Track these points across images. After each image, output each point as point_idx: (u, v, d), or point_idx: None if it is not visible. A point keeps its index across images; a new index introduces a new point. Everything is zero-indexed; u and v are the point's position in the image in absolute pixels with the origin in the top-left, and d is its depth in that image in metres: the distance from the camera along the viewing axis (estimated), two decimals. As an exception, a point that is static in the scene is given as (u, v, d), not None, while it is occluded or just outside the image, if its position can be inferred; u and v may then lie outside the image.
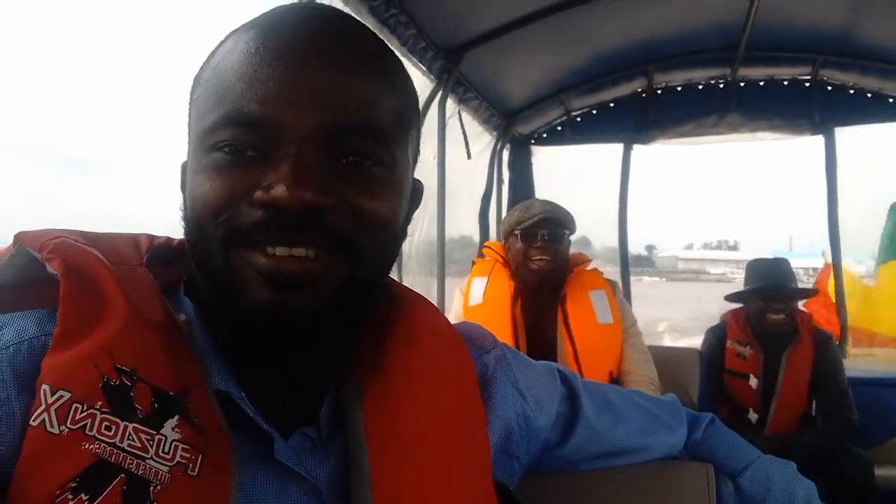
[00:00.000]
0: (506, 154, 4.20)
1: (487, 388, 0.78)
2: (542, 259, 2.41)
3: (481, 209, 3.87)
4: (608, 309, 2.46)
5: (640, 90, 4.18)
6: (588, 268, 2.57)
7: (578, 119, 4.27)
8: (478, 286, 2.58)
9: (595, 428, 0.87)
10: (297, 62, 0.59)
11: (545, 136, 4.35)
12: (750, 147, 4.11)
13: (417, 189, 0.72)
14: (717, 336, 3.14)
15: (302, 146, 0.57)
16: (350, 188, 0.59)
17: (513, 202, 4.04)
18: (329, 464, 0.64)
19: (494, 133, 3.95)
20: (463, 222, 3.74)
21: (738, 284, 3.17)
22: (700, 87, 4.14)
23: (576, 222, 2.53)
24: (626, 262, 4.29)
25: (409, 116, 0.66)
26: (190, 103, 0.65)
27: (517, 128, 4.12)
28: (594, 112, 4.25)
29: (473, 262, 2.76)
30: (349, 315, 0.65)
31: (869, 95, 3.90)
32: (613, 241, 4.27)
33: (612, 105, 4.23)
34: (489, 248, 2.69)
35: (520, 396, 0.81)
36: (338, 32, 0.62)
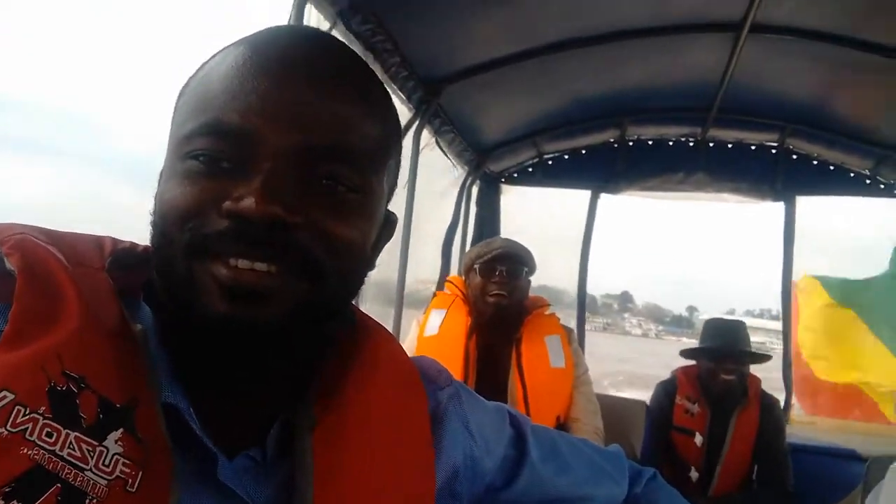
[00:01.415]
0: (475, 190, 4.22)
1: (438, 426, 0.77)
2: (499, 294, 2.42)
3: (445, 242, 3.87)
4: (562, 354, 2.48)
5: (612, 140, 4.24)
6: (546, 312, 2.59)
7: (550, 162, 4.31)
8: (435, 318, 2.58)
9: (540, 474, 0.86)
10: (282, 79, 0.59)
11: (516, 175, 4.38)
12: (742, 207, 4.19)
13: (390, 220, 0.71)
14: (668, 391, 3.17)
15: (277, 162, 0.57)
16: (320, 210, 0.59)
17: (478, 238, 4.05)
18: (270, 489, 0.63)
19: (466, 168, 3.98)
20: (426, 254, 3.73)
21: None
22: (671, 143, 4.22)
23: (535, 262, 2.55)
24: (583, 308, 4.32)
25: (388, 145, 0.66)
26: (174, 111, 0.65)
27: (489, 165, 4.15)
28: (566, 157, 4.30)
29: (434, 295, 2.76)
30: (307, 338, 0.64)
31: (832, 168, 4.01)
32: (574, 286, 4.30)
33: (583, 152, 4.28)
34: (451, 282, 2.70)
35: (469, 436, 0.80)
36: (327, 55, 0.62)
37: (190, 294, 0.58)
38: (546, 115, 3.93)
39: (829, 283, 4.53)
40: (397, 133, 0.69)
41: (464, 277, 2.62)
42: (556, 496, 0.88)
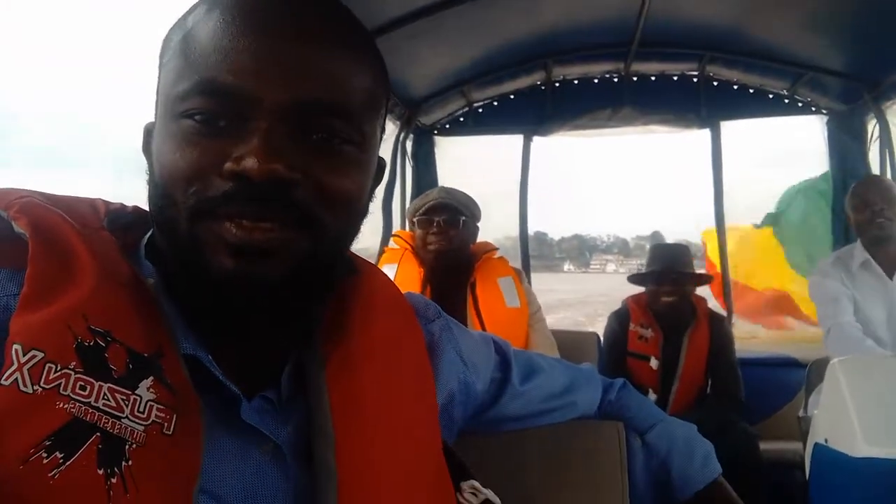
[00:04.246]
0: (409, 145, 4.20)
1: (435, 355, 0.81)
2: (437, 243, 2.46)
3: (384, 199, 3.86)
4: (515, 294, 2.53)
5: (538, 83, 4.27)
6: (495, 256, 2.64)
7: (480, 110, 4.32)
8: (388, 272, 2.59)
9: (523, 391, 0.92)
10: (274, 36, 0.60)
11: (448, 126, 4.38)
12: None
13: (381, 166, 0.73)
14: (620, 320, 3.28)
15: (273, 120, 0.58)
16: (319, 165, 0.60)
17: (417, 192, 4.05)
18: (289, 427, 0.66)
19: (398, 122, 3.95)
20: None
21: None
22: (596, 80, 4.27)
23: (478, 209, 2.59)
24: (526, 252, 4.38)
25: (379, 95, 0.68)
26: (160, 66, 0.65)
27: (420, 118, 4.13)
28: (495, 104, 4.31)
29: (382, 251, 2.77)
30: (312, 287, 0.66)
31: (752, 91, 4.13)
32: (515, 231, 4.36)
33: (512, 97, 4.30)
34: (398, 236, 2.73)
35: (462, 364, 0.85)
36: (315, 9, 0.63)
37: (198, 254, 0.59)
38: (473, 64, 3.92)
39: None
40: (386, 80, 0.70)
41: (411, 230, 2.65)
42: (539, 408, 0.94)
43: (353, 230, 0.68)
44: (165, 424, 0.56)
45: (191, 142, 0.59)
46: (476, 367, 0.87)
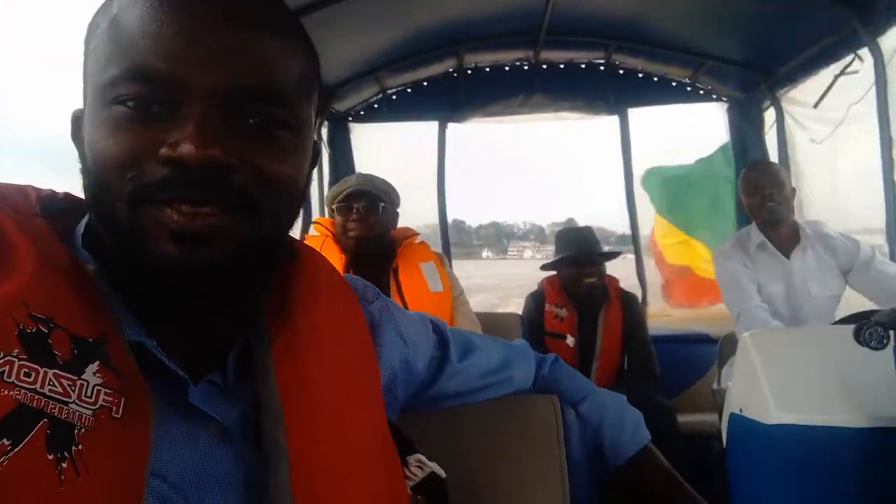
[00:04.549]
0: (325, 132, 4.16)
1: (375, 336, 0.82)
2: (357, 229, 2.47)
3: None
4: (438, 278, 2.56)
5: (451, 70, 4.30)
6: (416, 241, 2.65)
7: (394, 97, 4.32)
8: (310, 261, 2.58)
9: (463, 367, 0.95)
10: (205, 20, 0.59)
11: (362, 113, 4.35)
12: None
13: (317, 150, 0.73)
14: (536, 301, 3.36)
15: (208, 105, 0.58)
16: (255, 150, 0.60)
17: (334, 180, 4.02)
18: (237, 409, 0.66)
19: (312, 110, 3.88)
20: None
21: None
22: (507, 68, 4.34)
23: (397, 195, 2.59)
24: (446, 238, 4.42)
25: (312, 78, 0.68)
26: (86, 52, 0.64)
27: (334, 104, 4.10)
28: (409, 90, 4.32)
29: (303, 239, 2.74)
30: (254, 271, 0.66)
31: (656, 79, 4.29)
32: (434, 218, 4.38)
33: (425, 84, 4.32)
34: (319, 223, 2.70)
35: (403, 343, 0.86)
36: None
37: (138, 240, 0.59)
38: (386, 50, 3.91)
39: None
40: (317, 63, 0.70)
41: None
42: (478, 384, 0.97)
43: (293, 214, 0.68)
44: (114, 408, 0.56)
45: (124, 128, 0.58)
46: (416, 346, 0.89)
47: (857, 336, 1.57)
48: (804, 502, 1.62)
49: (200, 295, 0.62)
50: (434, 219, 4.39)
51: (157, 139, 0.58)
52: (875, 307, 2.47)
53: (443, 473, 0.78)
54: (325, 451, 0.65)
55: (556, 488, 0.91)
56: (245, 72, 0.60)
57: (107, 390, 0.56)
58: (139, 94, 0.58)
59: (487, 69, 4.34)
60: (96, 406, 0.55)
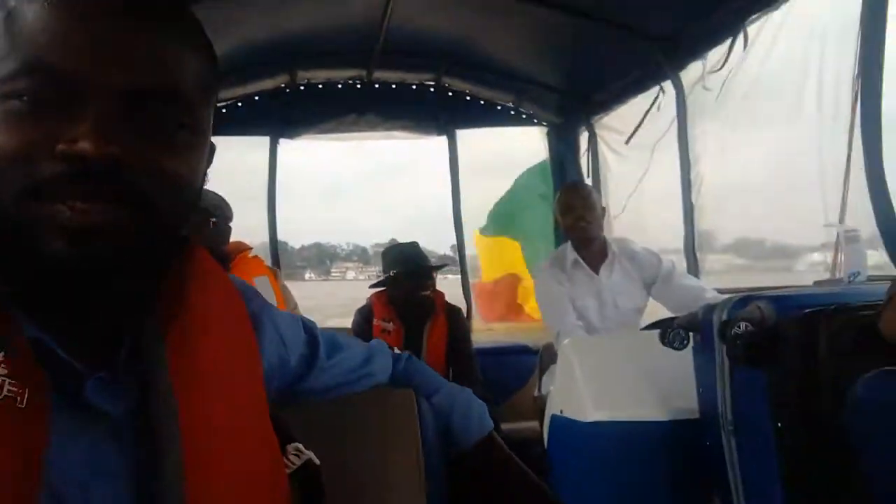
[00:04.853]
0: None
1: (256, 331, 0.84)
2: None
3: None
4: (272, 292, 2.56)
5: (283, 85, 4.27)
6: (249, 255, 2.64)
7: (224, 110, 4.21)
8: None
9: (330, 365, 0.99)
10: (105, 18, 0.59)
11: (191, 125, 4.20)
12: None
13: (212, 149, 0.74)
14: (365, 315, 3.40)
15: (106, 103, 0.58)
16: (152, 148, 0.61)
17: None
18: (127, 402, 0.66)
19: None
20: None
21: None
22: (340, 86, 4.37)
23: (229, 208, 2.57)
24: (276, 255, 4.36)
25: (211, 79, 0.69)
26: None
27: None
28: (239, 105, 4.24)
29: None
30: (146, 268, 0.66)
31: (482, 102, 4.49)
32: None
33: (257, 98, 4.26)
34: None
35: (280, 340, 0.90)
36: None
37: (29, 236, 0.58)
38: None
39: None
40: (216, 64, 0.71)
41: None
42: (344, 380, 1.02)
43: (187, 212, 0.69)
44: (18, 398, 0.55)
45: (17, 122, 0.57)
46: (290, 343, 0.92)
47: (663, 338, 1.76)
48: (618, 490, 1.78)
49: (93, 290, 0.62)
50: (261, 237, 4.32)
51: (52, 135, 0.57)
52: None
53: (317, 461, 0.82)
54: (216, 440, 0.67)
55: (413, 470, 0.98)
56: (145, 71, 0.60)
57: (11, 381, 0.55)
58: (35, 90, 0.57)
59: (320, 86, 4.34)
60: (1, 395, 0.55)
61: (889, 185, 2.04)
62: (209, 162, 0.74)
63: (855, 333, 1.38)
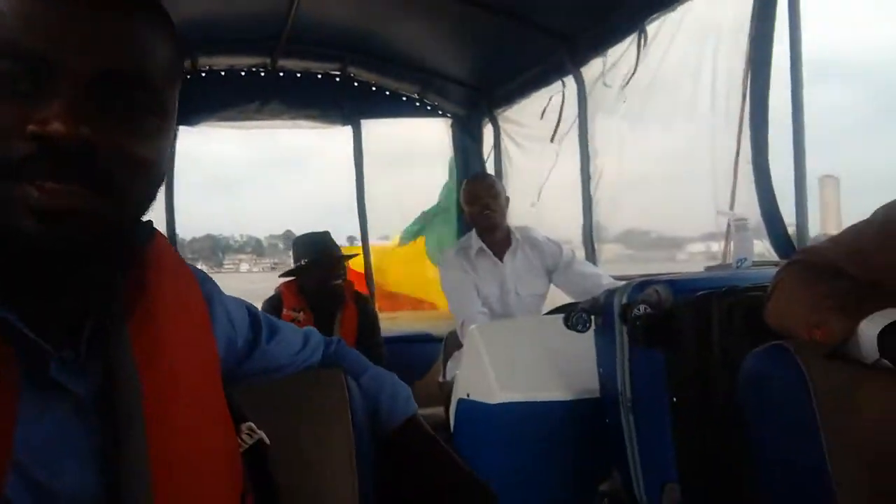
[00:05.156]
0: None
1: (209, 313, 0.86)
2: None
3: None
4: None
5: (183, 71, 4.13)
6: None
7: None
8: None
9: (271, 348, 1.03)
10: (78, 3, 0.61)
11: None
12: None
13: (176, 135, 0.74)
14: (274, 305, 3.36)
15: (78, 86, 0.59)
16: (121, 133, 0.62)
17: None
18: (90, 382, 0.66)
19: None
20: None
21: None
22: (243, 73, 4.28)
23: None
24: (174, 245, 4.23)
25: (178, 64, 0.71)
26: None
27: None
28: (136, 90, 4.08)
29: None
30: (113, 250, 0.67)
31: (388, 93, 4.50)
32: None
33: None
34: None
35: (229, 322, 0.92)
36: None
37: None
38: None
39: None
40: (182, 50, 0.73)
41: None
42: (283, 362, 1.06)
43: (152, 196, 0.70)
44: None
45: None
46: (238, 326, 0.95)
47: (567, 322, 1.83)
48: (522, 468, 1.84)
49: (61, 271, 0.63)
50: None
51: (23, 116, 0.58)
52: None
53: (268, 441, 0.85)
54: (178, 418, 0.68)
55: (345, 447, 1.01)
56: (116, 56, 0.61)
57: None
58: (7, 72, 0.58)
59: (223, 73, 4.25)
60: None
61: (774, 178, 2.19)
62: (173, 146, 0.75)
63: (744, 313, 1.48)
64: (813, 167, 2.28)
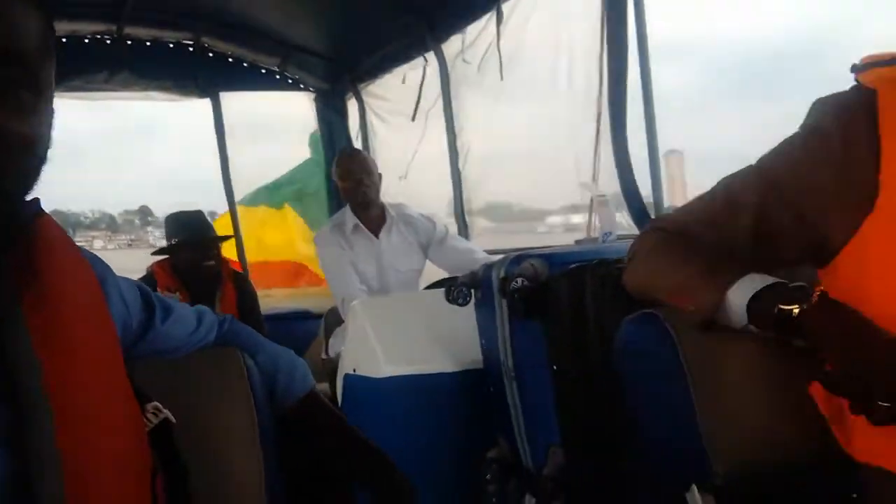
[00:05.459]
0: None
1: (104, 294, 0.85)
2: None
3: None
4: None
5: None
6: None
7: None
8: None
9: (165, 328, 1.03)
10: None
11: None
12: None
13: (54, 114, 0.73)
14: (147, 283, 3.22)
15: None
16: None
17: None
18: None
19: None
20: None
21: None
22: (87, 40, 4.00)
23: None
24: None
25: (51, 40, 0.70)
26: None
27: None
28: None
29: None
30: None
31: (246, 65, 4.36)
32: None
33: None
34: None
35: (123, 302, 0.92)
36: None
37: None
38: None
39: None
40: (52, 24, 0.71)
41: None
42: (178, 343, 1.07)
43: (34, 176, 0.69)
44: None
45: None
46: (131, 306, 0.95)
47: (448, 296, 1.90)
48: (412, 440, 1.91)
49: None
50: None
51: None
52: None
53: (173, 419, 0.85)
54: (82, 400, 0.67)
55: (248, 424, 1.03)
56: None
57: None
58: None
59: (64, 39, 3.93)
60: None
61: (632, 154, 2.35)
62: (52, 125, 0.74)
63: (615, 283, 1.59)
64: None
